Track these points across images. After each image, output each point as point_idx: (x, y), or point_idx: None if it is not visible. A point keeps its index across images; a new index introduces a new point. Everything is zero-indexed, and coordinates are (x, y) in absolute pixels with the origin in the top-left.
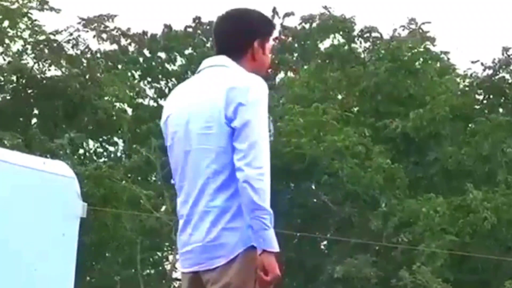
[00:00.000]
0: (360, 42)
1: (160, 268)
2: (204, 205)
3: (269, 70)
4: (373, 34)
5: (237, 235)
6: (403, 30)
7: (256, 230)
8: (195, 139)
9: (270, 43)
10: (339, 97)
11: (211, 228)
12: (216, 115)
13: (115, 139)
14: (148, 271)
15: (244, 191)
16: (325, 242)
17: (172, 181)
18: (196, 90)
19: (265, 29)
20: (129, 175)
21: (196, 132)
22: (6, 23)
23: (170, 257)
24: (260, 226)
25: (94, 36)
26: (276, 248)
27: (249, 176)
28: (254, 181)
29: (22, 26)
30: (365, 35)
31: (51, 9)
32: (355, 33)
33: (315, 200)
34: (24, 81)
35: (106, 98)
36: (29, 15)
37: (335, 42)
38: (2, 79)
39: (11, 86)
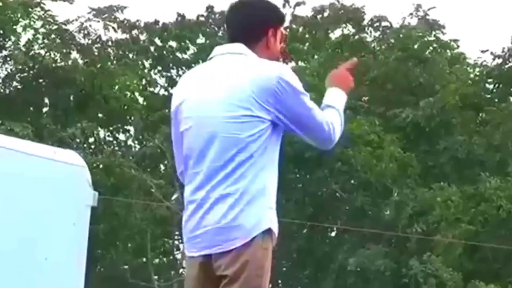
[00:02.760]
0: (370, 32)
1: (171, 257)
2: (223, 189)
3: (280, 59)
4: (383, 23)
5: (255, 218)
6: (411, 18)
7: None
8: (220, 126)
9: (282, 32)
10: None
11: (229, 210)
12: (245, 103)
13: (126, 128)
14: (158, 260)
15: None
16: (336, 231)
17: (179, 168)
18: (214, 76)
19: (278, 18)
20: (140, 164)
21: (221, 119)
22: (19, 14)
23: (181, 246)
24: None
25: (104, 27)
26: (345, 99)
27: (327, 141)
28: (332, 138)
29: (35, 16)
30: (374, 25)
31: None
32: (364, 22)
33: (326, 189)
34: (35, 70)
35: (117, 87)
36: (41, 5)
37: (345, 32)
38: (13, 68)
39: (22, 75)
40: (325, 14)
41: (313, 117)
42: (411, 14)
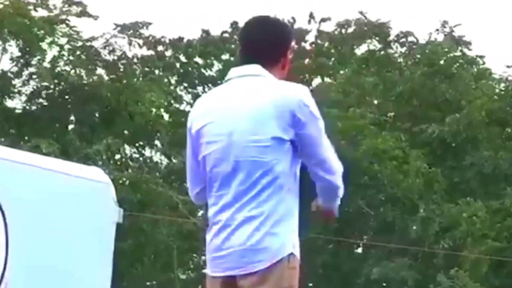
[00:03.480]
0: (396, 47)
1: (197, 272)
2: (248, 211)
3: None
4: (409, 39)
5: (280, 240)
6: (438, 33)
7: (329, 198)
8: (244, 151)
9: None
10: (375, 102)
11: (254, 232)
12: (267, 128)
13: (152, 144)
14: (184, 275)
15: (328, 190)
16: (362, 247)
17: (195, 190)
18: (236, 100)
19: (292, 39)
20: (166, 180)
21: (245, 143)
22: (43, 31)
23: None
24: (335, 199)
25: (130, 43)
26: (336, 213)
27: (333, 181)
28: (338, 182)
29: (60, 32)
30: (401, 40)
31: (89, 15)
32: (390, 38)
33: (352, 204)
34: (60, 87)
35: (142, 103)
36: (67, 22)
37: (371, 47)
38: (39, 85)
39: (47, 92)
40: (350, 30)
41: (326, 143)
42: (437, 30)
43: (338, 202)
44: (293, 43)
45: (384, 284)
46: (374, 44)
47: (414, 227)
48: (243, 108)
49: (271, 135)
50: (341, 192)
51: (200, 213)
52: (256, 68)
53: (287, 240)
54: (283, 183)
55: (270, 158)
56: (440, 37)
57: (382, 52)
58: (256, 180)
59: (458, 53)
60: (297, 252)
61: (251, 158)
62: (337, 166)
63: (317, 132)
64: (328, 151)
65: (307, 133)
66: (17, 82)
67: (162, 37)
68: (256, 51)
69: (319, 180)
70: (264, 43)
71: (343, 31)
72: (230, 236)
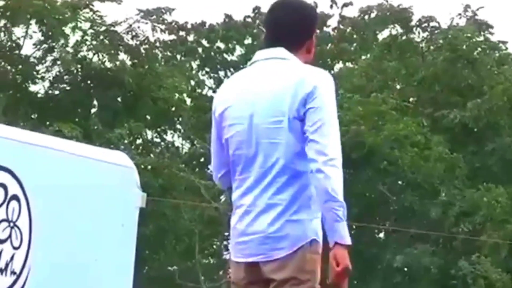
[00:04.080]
0: (419, 32)
1: (219, 258)
2: (269, 198)
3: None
4: (431, 24)
5: (301, 228)
6: (460, 18)
7: (328, 221)
8: (263, 133)
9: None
10: (397, 87)
11: (275, 220)
12: (285, 109)
13: (175, 129)
14: (206, 260)
15: (318, 181)
16: (384, 232)
17: (219, 173)
18: (258, 82)
19: (317, 22)
20: (188, 165)
21: (264, 126)
22: (67, 15)
23: (229, 247)
24: (333, 217)
25: (153, 29)
26: (348, 241)
27: (322, 165)
28: (327, 169)
29: (83, 17)
30: (423, 25)
31: (112, 0)
32: (412, 23)
33: (373, 189)
34: (83, 72)
35: (165, 88)
36: (90, 6)
37: (393, 32)
38: (62, 70)
39: (70, 77)
40: (372, 15)
41: (332, 127)
42: (459, 14)
43: (343, 226)
44: (316, 28)
45: (406, 269)
46: (396, 29)
47: (434, 212)
48: (264, 91)
49: (287, 116)
50: (338, 205)
51: (222, 197)
52: (281, 51)
53: (308, 226)
54: (300, 167)
55: (284, 139)
56: (462, 22)
57: (404, 37)
58: (274, 162)
59: (481, 39)
60: (320, 238)
61: (269, 140)
62: (335, 153)
63: (324, 117)
64: (331, 135)
65: (315, 116)
66: (40, 68)
67: (185, 22)
68: (281, 34)
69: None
70: (289, 26)
71: (366, 16)
72: (253, 223)
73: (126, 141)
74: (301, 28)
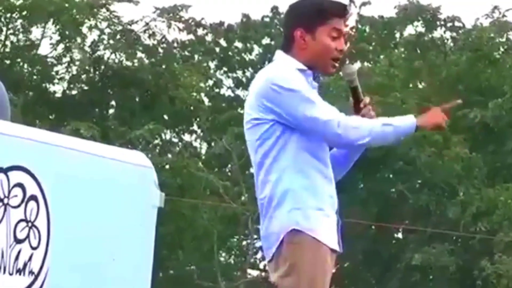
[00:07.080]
0: (444, 32)
1: (237, 258)
2: (258, 195)
3: (336, 55)
4: (456, 24)
5: (278, 223)
6: (486, 19)
7: (389, 138)
8: (246, 135)
9: (331, 27)
10: (420, 86)
11: (264, 218)
12: (251, 109)
13: (192, 129)
14: (225, 260)
15: (346, 147)
16: (402, 231)
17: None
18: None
19: (312, 17)
20: (207, 165)
21: (245, 127)
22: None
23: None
24: (385, 135)
25: (169, 26)
26: (413, 123)
27: (332, 137)
28: (336, 136)
29: (100, 17)
30: (447, 25)
31: (130, 0)
32: (437, 22)
33: (391, 189)
34: (100, 71)
35: (182, 88)
36: (107, 6)
37: (417, 30)
38: (79, 69)
39: (87, 76)
40: (394, 14)
41: (305, 109)
42: (486, 15)
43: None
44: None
45: (424, 268)
46: (419, 28)
47: (452, 212)
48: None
49: (251, 117)
50: (368, 135)
51: (241, 198)
52: (276, 54)
53: (286, 219)
54: (278, 162)
55: (254, 138)
56: (487, 22)
57: (427, 37)
58: (254, 161)
59: (503, 39)
60: (304, 227)
61: (247, 141)
62: (342, 122)
63: (289, 103)
64: (309, 109)
65: (281, 105)
66: (59, 68)
67: (202, 19)
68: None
69: (334, 145)
70: (283, 27)
71: (388, 15)
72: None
73: (144, 141)
74: (285, 29)
